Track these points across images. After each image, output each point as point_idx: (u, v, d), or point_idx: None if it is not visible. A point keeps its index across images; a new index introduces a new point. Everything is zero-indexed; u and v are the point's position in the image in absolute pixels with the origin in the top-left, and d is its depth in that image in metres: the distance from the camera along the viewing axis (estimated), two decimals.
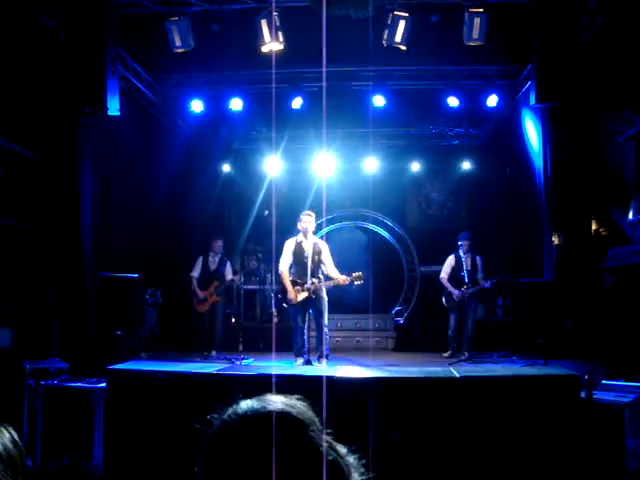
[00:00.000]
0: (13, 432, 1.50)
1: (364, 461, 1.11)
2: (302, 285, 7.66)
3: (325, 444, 1.03)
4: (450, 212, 13.55)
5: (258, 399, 1.09)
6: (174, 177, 10.87)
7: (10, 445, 1.46)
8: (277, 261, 8.07)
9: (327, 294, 7.84)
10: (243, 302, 10.67)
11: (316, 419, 1.08)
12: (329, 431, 1.08)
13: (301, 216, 8.00)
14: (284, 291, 7.81)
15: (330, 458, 1.02)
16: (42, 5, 7.31)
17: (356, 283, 7.66)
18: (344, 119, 11.05)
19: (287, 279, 7.79)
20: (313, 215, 8.01)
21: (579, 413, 5.26)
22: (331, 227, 12.98)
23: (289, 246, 7.96)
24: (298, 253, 7.85)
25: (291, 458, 0.99)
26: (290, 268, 7.94)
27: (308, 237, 7.86)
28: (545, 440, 5.15)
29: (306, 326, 7.74)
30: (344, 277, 7.65)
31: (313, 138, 12.28)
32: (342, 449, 1.08)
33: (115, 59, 7.81)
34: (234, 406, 1.08)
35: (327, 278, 7.78)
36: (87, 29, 7.38)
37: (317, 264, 7.75)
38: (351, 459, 1.08)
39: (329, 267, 7.79)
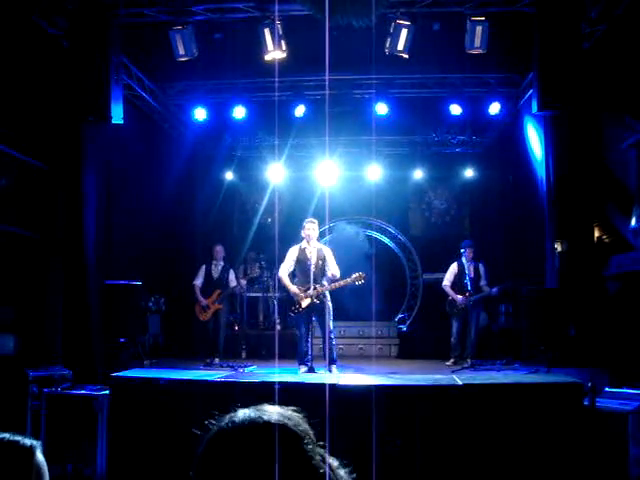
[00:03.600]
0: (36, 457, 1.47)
1: (355, 475, 1.12)
2: (305, 292, 7.68)
3: (318, 457, 1.05)
4: (453, 220, 13.56)
5: (255, 408, 1.10)
6: (177, 184, 10.90)
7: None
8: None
9: (331, 301, 7.85)
10: (246, 309, 10.70)
11: (310, 432, 1.09)
12: (321, 444, 1.09)
13: (304, 224, 8.03)
14: (290, 300, 7.83)
15: (322, 471, 1.04)
16: (46, 14, 7.36)
17: (357, 283, 7.67)
18: (347, 127, 11.09)
19: (287, 281, 7.82)
20: (316, 222, 8.06)
21: (582, 421, 5.25)
22: (333, 234, 12.98)
23: (292, 253, 7.98)
24: (301, 260, 7.86)
25: (284, 469, 1.01)
26: (294, 276, 7.94)
27: (311, 244, 7.89)
28: (548, 448, 5.14)
29: (310, 333, 7.75)
30: (345, 279, 7.68)
31: (316, 146, 12.32)
32: (334, 462, 1.10)
33: (119, 67, 7.85)
34: (230, 414, 1.10)
35: (330, 282, 7.79)
36: (91, 38, 7.44)
37: (321, 270, 7.77)
38: (342, 472, 1.10)
39: (334, 272, 7.79)
